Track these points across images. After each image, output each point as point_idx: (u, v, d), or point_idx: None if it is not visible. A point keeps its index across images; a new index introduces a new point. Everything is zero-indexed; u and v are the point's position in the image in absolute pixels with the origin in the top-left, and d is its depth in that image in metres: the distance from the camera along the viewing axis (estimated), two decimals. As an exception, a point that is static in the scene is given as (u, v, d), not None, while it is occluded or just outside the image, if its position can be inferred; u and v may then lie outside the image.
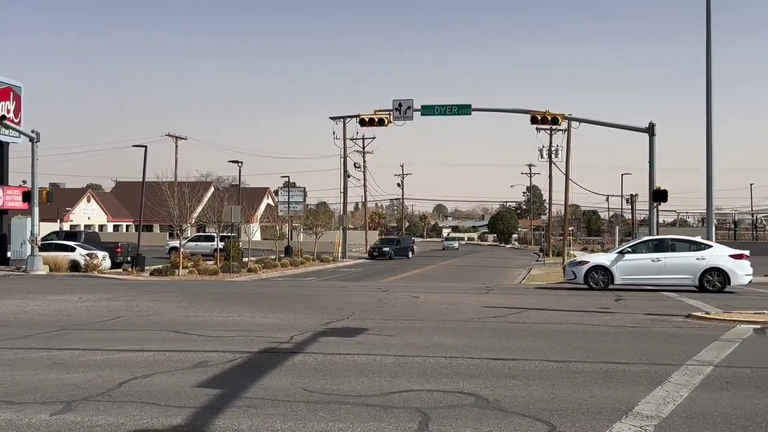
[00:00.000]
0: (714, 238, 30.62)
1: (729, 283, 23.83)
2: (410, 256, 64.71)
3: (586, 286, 24.83)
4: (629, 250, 25.54)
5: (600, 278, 24.76)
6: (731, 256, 24.43)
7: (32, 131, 36.65)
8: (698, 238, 26.89)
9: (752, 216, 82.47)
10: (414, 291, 23.83)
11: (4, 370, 9.13)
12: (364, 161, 73.74)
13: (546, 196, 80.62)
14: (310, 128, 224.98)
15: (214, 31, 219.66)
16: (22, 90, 39.26)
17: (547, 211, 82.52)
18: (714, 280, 23.85)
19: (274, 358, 10.05)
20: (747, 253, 25.32)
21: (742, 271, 24.06)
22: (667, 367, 9.35)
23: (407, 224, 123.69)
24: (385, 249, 62.65)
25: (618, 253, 25.56)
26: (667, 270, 24.33)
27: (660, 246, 25.32)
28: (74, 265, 36.16)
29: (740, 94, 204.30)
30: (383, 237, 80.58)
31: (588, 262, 25.67)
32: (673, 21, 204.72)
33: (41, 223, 37.56)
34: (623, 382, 8.53)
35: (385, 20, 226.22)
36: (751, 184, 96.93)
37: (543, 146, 65.68)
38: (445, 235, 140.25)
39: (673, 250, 24.88)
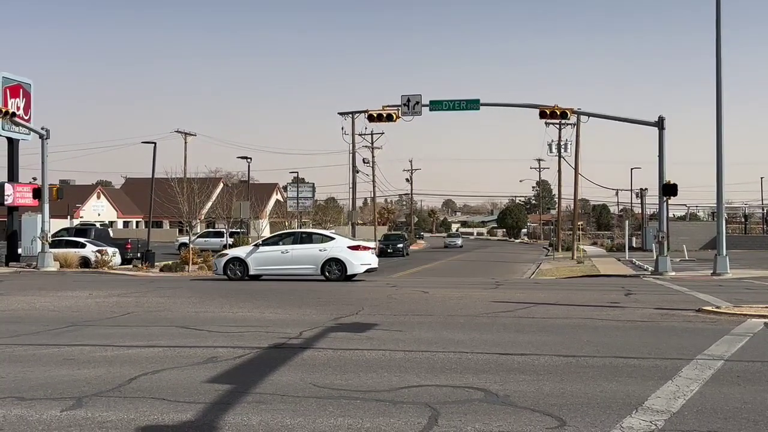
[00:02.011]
0: (724, 232, 30.56)
1: (346, 272, 25.59)
2: (407, 253, 64.61)
3: (225, 277, 26.22)
4: (262, 243, 27.34)
5: (237, 269, 26.17)
6: (349, 247, 26.35)
7: (42, 128, 36.76)
8: (328, 232, 28.95)
9: (762, 209, 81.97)
10: (423, 286, 23.83)
11: (15, 366, 9.17)
12: (373, 156, 73.76)
13: (555, 191, 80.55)
14: (318, 124, 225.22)
15: (222, 28, 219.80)
16: (31, 87, 39.35)
17: (556, 205, 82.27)
18: (333, 269, 25.62)
19: (284, 354, 10.06)
20: (368, 245, 27.65)
21: (358, 261, 25.91)
22: (677, 362, 9.32)
23: (416, 219, 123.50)
24: (399, 246, 62.24)
25: (254, 245, 27.26)
26: (294, 261, 25.99)
27: (291, 239, 27.28)
28: (84, 262, 36.32)
29: (751, 88, 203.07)
30: (389, 233, 79.41)
31: (227, 254, 27.12)
32: (682, 15, 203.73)
33: (51, 219, 37.67)
34: (633, 376, 8.50)
35: (392, 16, 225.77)
36: (761, 178, 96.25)
37: (552, 141, 65.43)
38: (453, 230, 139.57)
39: (303, 242, 26.71)
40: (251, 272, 26.13)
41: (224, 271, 26.38)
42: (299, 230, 30.62)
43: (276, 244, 26.92)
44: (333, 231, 31.01)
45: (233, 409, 6.92)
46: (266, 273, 26.28)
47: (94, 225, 56.93)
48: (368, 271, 26.83)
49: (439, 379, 8.37)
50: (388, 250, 61.12)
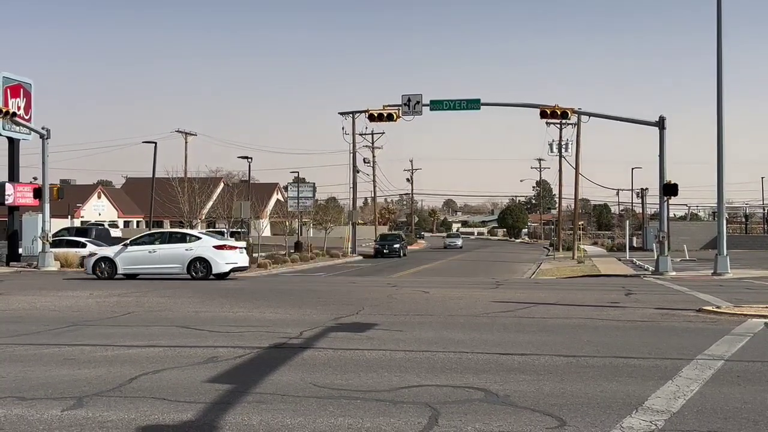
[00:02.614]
0: (725, 232, 30.57)
1: (212, 271, 26.19)
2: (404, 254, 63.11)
3: (95, 276, 26.59)
4: (130, 242, 27.80)
5: (105, 268, 26.60)
6: (215, 246, 26.76)
7: (43, 128, 36.78)
8: (196, 232, 29.63)
9: (763, 209, 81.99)
10: (423, 286, 23.83)
11: (15, 366, 9.18)
12: (374, 156, 73.80)
13: (556, 191, 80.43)
14: (319, 124, 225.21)
15: (223, 28, 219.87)
16: (32, 87, 39.36)
17: (557, 205, 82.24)
18: (199, 268, 26.16)
19: (284, 354, 10.07)
20: (234, 244, 28.14)
21: (222, 260, 26.48)
22: (677, 362, 9.32)
23: (417, 219, 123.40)
24: (395, 246, 60.64)
25: (123, 245, 27.64)
26: (161, 260, 26.46)
27: (159, 238, 27.85)
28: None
29: (752, 87, 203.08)
30: (386, 233, 76.52)
31: (97, 254, 27.67)
32: (683, 14, 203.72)
33: (52, 219, 37.69)
34: (633, 376, 8.50)
35: (392, 16, 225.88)
36: (762, 178, 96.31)
37: (553, 140, 65.24)
38: (454, 229, 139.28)
39: (170, 242, 27.25)
40: (120, 271, 26.54)
41: (93, 270, 26.73)
42: (167, 230, 31.64)
43: (144, 243, 27.34)
44: (202, 231, 31.56)
45: (234, 409, 6.92)
46: (135, 272, 26.72)
47: (102, 224, 57.02)
48: (236, 269, 27.50)
49: (439, 378, 8.37)
50: (384, 251, 59.03)
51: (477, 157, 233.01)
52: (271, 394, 7.55)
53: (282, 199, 78.15)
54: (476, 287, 23.66)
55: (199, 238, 27.21)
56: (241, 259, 27.55)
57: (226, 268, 26.60)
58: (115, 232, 59.60)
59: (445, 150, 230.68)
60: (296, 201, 57.45)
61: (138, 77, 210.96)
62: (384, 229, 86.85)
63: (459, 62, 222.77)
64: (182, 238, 27.41)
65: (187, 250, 26.37)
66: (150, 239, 27.83)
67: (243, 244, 29.33)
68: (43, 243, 35.07)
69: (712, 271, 29.66)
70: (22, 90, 38.53)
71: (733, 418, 6.62)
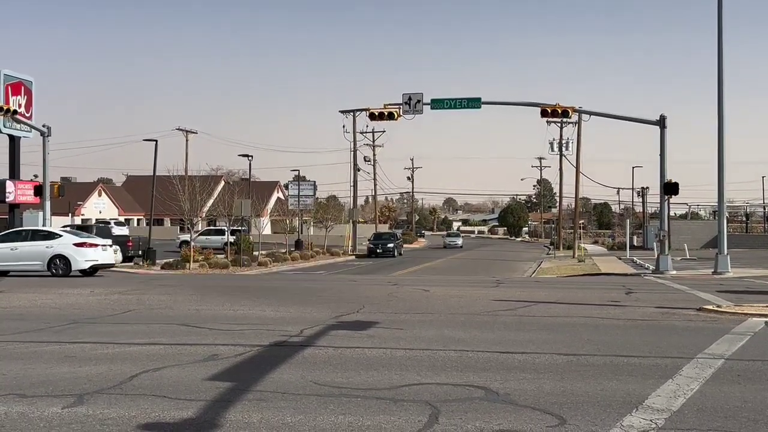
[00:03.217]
0: (725, 231, 30.59)
1: (71, 268, 26.78)
2: (399, 253, 59.73)
3: None
4: None
5: None
6: (75, 244, 27.33)
7: (43, 126, 36.78)
8: (57, 230, 29.85)
9: (764, 208, 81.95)
10: (424, 284, 23.83)
11: (16, 364, 9.19)
12: (374, 155, 73.84)
13: (556, 189, 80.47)
14: (320, 122, 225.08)
15: (224, 26, 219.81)
16: (33, 84, 39.32)
17: (557, 204, 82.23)
18: (59, 266, 26.78)
19: (285, 352, 10.08)
20: (94, 241, 28.29)
21: (82, 258, 27.12)
22: (677, 361, 9.33)
23: (417, 218, 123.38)
24: (389, 245, 57.09)
25: None
26: (22, 257, 27.11)
27: (21, 236, 28.35)
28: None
29: (754, 86, 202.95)
30: (380, 232, 70.09)
31: None
32: (684, 12, 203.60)
33: (53, 217, 37.72)
34: (633, 375, 8.51)
35: (393, 15, 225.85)
36: (762, 177, 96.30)
37: (553, 139, 65.29)
38: (454, 228, 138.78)
39: (32, 239, 27.74)
40: None
41: None
42: (32, 228, 31.92)
43: (5, 241, 27.69)
44: (65, 228, 31.86)
45: (234, 407, 6.93)
46: None
47: (108, 222, 57.04)
48: (100, 267, 28.08)
49: (439, 377, 8.38)
50: (378, 250, 55.65)
51: (477, 156, 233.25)
52: (272, 392, 7.56)
53: (282, 197, 78.20)
54: (477, 286, 23.66)
55: (60, 236, 27.77)
56: (104, 256, 28.01)
57: (86, 265, 27.14)
58: (121, 230, 59.67)
59: (445, 148, 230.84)
60: (297, 199, 57.46)
61: (139, 77, 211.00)
62: (385, 228, 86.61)
63: (460, 61, 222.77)
64: (46, 236, 27.89)
65: (47, 247, 26.95)
66: (15, 237, 28.25)
67: (109, 241, 29.52)
68: (44, 241, 35.01)
69: (713, 270, 29.66)
70: (23, 87, 38.48)
71: (733, 417, 6.63)
